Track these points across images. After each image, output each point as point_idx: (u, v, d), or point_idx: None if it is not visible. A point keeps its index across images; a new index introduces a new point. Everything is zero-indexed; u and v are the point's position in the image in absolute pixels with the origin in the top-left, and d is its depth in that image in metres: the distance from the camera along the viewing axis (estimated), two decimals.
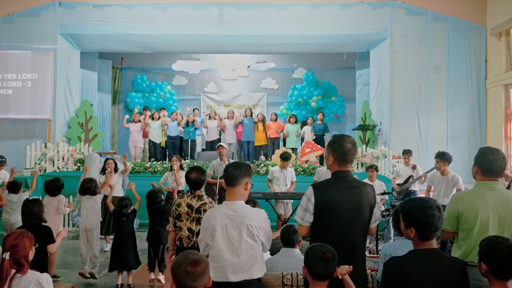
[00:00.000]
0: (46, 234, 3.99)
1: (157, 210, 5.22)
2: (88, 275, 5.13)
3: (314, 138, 10.75)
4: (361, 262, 2.53)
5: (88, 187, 5.39)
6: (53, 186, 5.39)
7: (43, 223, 4.27)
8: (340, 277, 2.32)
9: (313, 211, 2.52)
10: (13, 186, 5.82)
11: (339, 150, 2.57)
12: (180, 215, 3.58)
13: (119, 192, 6.77)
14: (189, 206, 3.57)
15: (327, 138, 10.73)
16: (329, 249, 2.31)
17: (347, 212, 2.49)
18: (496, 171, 2.69)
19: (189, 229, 3.55)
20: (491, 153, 2.71)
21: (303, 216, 2.56)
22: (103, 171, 6.85)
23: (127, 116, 10.99)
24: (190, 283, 1.92)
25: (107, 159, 6.96)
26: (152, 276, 5.04)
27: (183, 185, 6.84)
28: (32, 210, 4.16)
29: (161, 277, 5.07)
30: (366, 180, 7.36)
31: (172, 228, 3.66)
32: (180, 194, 6.73)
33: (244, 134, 10.96)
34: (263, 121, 11.07)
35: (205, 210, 3.50)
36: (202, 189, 3.71)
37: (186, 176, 3.67)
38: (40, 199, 5.02)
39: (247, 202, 2.73)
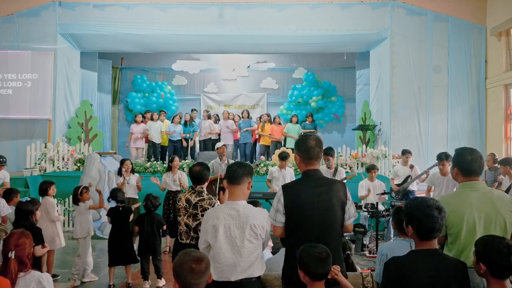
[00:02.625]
0: (36, 236, 3.92)
1: (153, 218, 5.02)
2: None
3: None
4: (337, 260, 2.51)
5: (74, 194, 5.32)
6: (39, 187, 5.32)
7: (33, 224, 4.28)
8: (329, 276, 2.34)
9: (283, 212, 2.55)
10: (8, 194, 5.51)
11: (303, 147, 2.63)
12: (179, 210, 3.57)
13: (132, 194, 6.79)
14: (187, 201, 3.54)
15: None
16: (322, 248, 2.32)
17: (316, 211, 2.50)
18: (476, 171, 2.69)
19: (186, 224, 3.52)
20: (469, 154, 2.71)
21: (275, 216, 2.58)
22: (120, 172, 6.89)
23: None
24: (195, 280, 1.93)
25: (124, 159, 7.02)
26: (147, 285, 4.95)
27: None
28: (24, 211, 4.17)
29: (161, 282, 4.99)
30: (366, 180, 7.38)
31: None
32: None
33: (242, 136, 10.94)
34: (270, 122, 10.94)
35: (202, 206, 3.47)
36: (204, 186, 3.65)
37: (190, 170, 3.67)
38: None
39: (249, 203, 2.74)
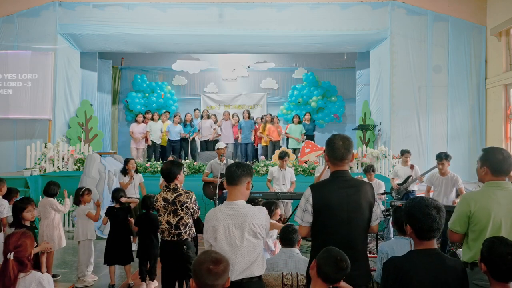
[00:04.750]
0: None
1: (150, 219, 4.96)
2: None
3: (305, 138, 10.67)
4: (363, 260, 2.54)
5: (76, 195, 5.36)
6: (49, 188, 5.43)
7: (27, 224, 4.29)
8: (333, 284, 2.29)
9: (311, 212, 2.55)
10: (8, 194, 5.43)
11: (329, 147, 2.63)
12: (158, 210, 3.74)
13: (131, 193, 6.75)
14: (164, 199, 3.70)
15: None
16: (346, 258, 2.22)
17: (345, 212, 2.51)
18: (506, 171, 2.70)
19: (168, 222, 3.69)
20: (500, 154, 2.71)
21: (303, 216, 2.59)
22: (125, 171, 6.87)
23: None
24: (211, 281, 1.94)
25: (128, 159, 7.02)
26: (144, 286, 4.93)
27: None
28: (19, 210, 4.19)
29: (153, 284, 4.97)
30: (364, 180, 7.36)
31: None
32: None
33: (242, 136, 10.93)
34: (272, 121, 10.92)
35: (180, 201, 3.66)
36: (182, 183, 3.84)
37: (161, 169, 3.85)
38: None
39: (254, 202, 2.75)
